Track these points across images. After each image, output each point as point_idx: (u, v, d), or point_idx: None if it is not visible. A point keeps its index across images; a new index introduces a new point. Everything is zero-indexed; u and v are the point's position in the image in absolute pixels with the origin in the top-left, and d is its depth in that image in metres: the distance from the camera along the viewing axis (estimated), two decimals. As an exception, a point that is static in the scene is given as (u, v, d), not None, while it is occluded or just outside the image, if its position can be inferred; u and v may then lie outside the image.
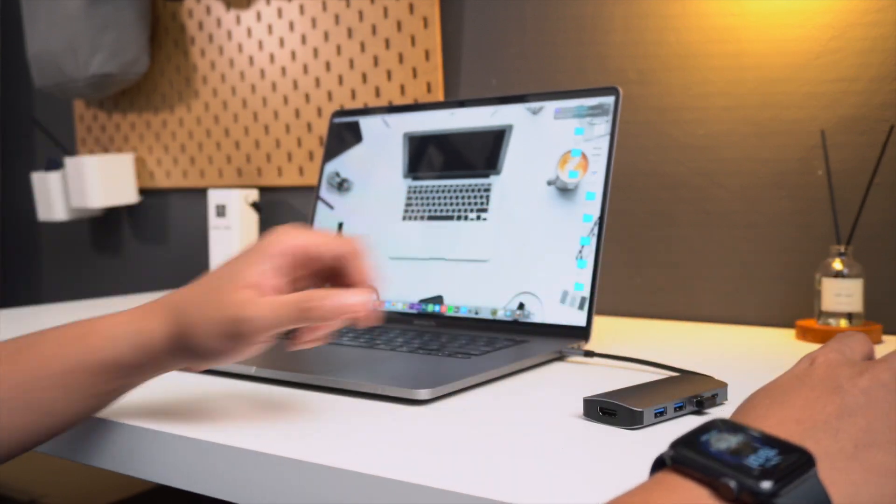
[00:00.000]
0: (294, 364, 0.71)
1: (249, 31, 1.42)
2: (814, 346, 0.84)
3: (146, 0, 1.48)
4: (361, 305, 0.50)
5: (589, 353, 0.76)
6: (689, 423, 0.55)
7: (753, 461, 0.31)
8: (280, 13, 1.38)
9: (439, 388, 0.60)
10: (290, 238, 0.53)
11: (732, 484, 0.30)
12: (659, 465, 0.33)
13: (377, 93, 1.27)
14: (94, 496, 1.01)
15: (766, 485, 0.29)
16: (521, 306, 0.85)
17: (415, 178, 0.97)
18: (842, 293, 0.86)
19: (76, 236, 1.76)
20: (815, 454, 0.31)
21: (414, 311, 0.92)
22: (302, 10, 1.35)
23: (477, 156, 0.93)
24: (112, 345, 0.51)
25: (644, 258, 1.07)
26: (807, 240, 0.96)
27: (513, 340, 0.79)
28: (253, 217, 1.35)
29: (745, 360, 0.78)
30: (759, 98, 0.99)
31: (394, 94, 1.25)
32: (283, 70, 1.38)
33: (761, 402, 0.36)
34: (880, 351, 0.81)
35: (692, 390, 0.57)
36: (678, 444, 0.32)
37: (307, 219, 1.35)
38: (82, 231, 1.74)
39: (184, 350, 0.52)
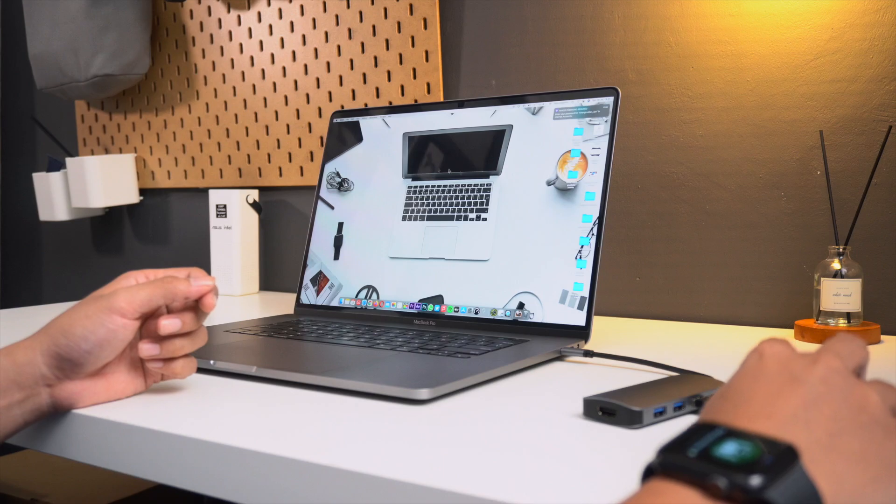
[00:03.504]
0: (294, 364, 0.71)
1: (250, 32, 1.42)
2: (813, 346, 0.83)
3: (147, 1, 1.48)
4: (210, 285, 0.60)
5: (588, 353, 0.76)
6: (688, 422, 0.55)
7: (739, 458, 0.31)
8: (280, 14, 1.38)
9: (439, 388, 0.61)
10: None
11: (721, 483, 0.30)
12: (649, 473, 0.33)
13: (377, 93, 1.27)
14: (94, 496, 1.01)
15: (756, 480, 0.30)
16: (520, 306, 0.85)
17: (415, 179, 0.97)
18: (840, 293, 0.86)
19: (77, 236, 1.76)
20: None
21: (414, 311, 0.92)
22: (302, 10, 1.35)
23: (477, 156, 0.93)
24: None
25: (643, 258, 1.07)
26: (806, 240, 0.97)
27: (512, 340, 0.79)
28: (253, 217, 1.35)
29: (744, 359, 0.78)
30: (757, 98, 0.99)
31: (394, 94, 1.25)
32: (284, 70, 1.38)
33: (722, 404, 0.36)
34: (878, 351, 0.81)
35: (691, 390, 0.58)
36: (664, 451, 0.33)
37: (308, 219, 1.36)
38: (83, 231, 1.74)
39: (56, 348, 0.56)
